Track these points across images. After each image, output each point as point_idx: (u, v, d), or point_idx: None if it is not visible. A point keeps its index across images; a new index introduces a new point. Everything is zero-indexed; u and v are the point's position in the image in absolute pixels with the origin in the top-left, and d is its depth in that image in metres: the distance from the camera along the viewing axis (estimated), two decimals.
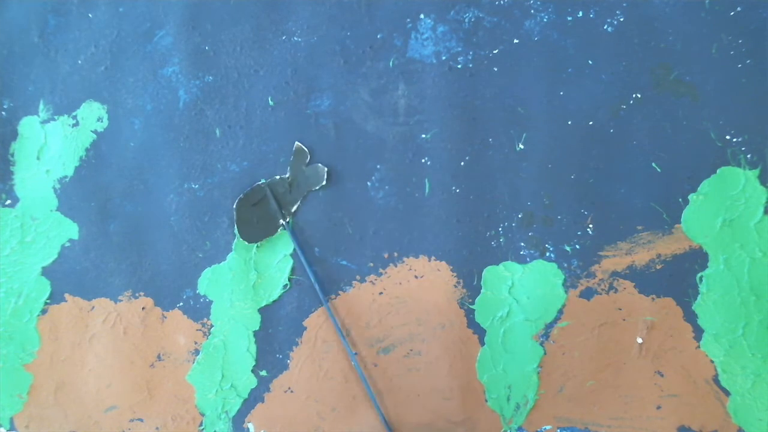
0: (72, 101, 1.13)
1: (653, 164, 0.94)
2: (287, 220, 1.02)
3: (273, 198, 1.02)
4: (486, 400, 0.97)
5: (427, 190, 1.01)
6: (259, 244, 1.04)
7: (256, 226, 1.02)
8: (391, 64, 1.03)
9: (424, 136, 1.01)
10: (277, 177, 1.02)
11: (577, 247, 0.96)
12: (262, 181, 1.03)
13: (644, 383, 0.93)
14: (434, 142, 1.01)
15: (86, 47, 1.14)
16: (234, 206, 1.03)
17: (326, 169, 1.01)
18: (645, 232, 0.94)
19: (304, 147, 1.01)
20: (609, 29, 0.97)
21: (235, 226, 1.03)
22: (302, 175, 1.02)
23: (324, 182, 1.01)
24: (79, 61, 1.14)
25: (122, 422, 1.08)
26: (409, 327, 1.00)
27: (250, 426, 1.04)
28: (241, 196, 1.03)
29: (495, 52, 1.00)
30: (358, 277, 1.02)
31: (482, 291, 0.98)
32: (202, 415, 1.06)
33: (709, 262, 0.92)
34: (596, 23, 0.97)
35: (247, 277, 1.05)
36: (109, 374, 1.09)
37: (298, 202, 1.02)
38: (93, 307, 1.10)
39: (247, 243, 1.03)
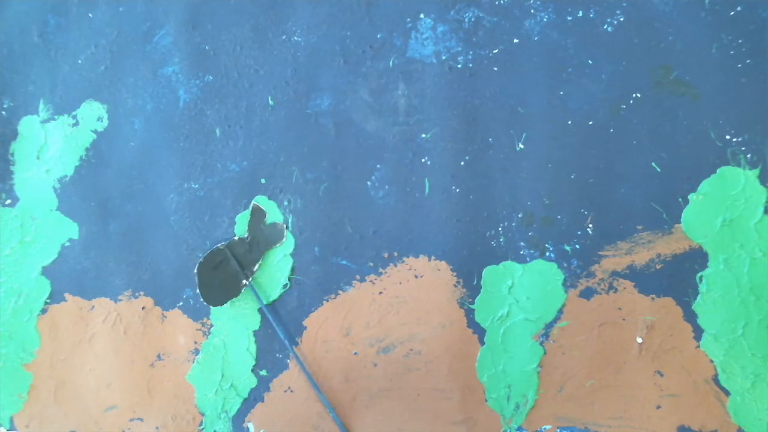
0: (72, 101, 1.13)
1: (653, 164, 0.94)
2: (249, 279, 1.02)
3: (234, 258, 1.01)
4: (486, 400, 0.98)
5: (427, 190, 1.01)
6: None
7: (219, 288, 1.02)
8: (391, 63, 1.03)
9: (424, 135, 1.01)
10: (236, 238, 1.02)
11: (577, 246, 0.96)
12: (221, 244, 1.03)
13: (644, 383, 0.93)
14: (434, 141, 1.01)
15: (86, 47, 1.14)
16: (195, 271, 1.02)
17: (285, 226, 1.00)
18: (645, 231, 0.94)
19: (261, 206, 1.01)
20: (609, 29, 0.97)
21: (198, 291, 1.02)
22: (261, 234, 1.02)
23: (284, 239, 1.00)
24: (79, 61, 1.14)
25: (122, 422, 1.08)
26: (409, 327, 1.00)
27: (250, 425, 1.04)
28: (201, 260, 1.02)
29: (495, 51, 1.00)
30: (358, 277, 1.02)
31: (482, 290, 0.98)
32: (202, 414, 1.06)
33: (709, 262, 0.92)
34: (596, 23, 0.97)
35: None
36: (109, 374, 1.09)
37: (260, 261, 1.02)
38: (93, 307, 1.10)
39: (212, 307, 1.03)
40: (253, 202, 1.00)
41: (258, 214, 1.01)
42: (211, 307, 1.06)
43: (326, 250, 1.03)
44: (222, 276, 1.02)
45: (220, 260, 1.01)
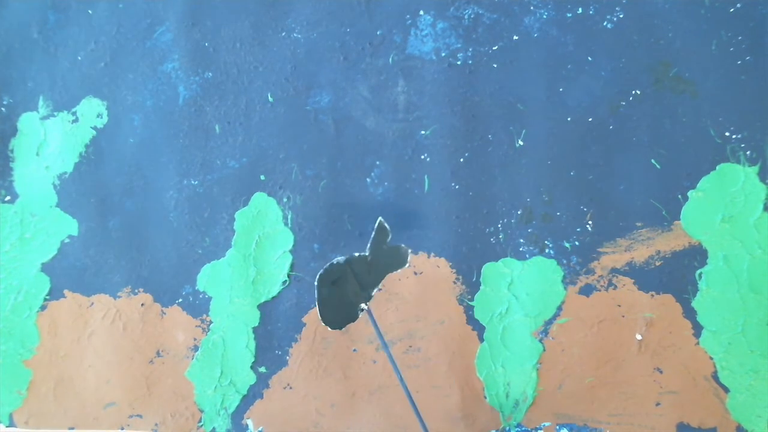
0: (71, 97, 1.13)
1: (653, 161, 0.94)
2: (368, 304, 0.94)
3: (353, 277, 0.93)
4: (485, 397, 0.97)
5: (426, 187, 1.01)
6: (258, 240, 1.04)
7: (336, 308, 0.93)
8: (390, 60, 1.03)
9: (423, 132, 1.01)
10: (356, 254, 0.95)
11: (577, 243, 0.96)
12: (340, 258, 0.94)
13: (643, 380, 0.93)
14: (434, 138, 1.01)
15: (86, 44, 1.14)
16: (315, 282, 0.93)
17: (410, 250, 0.95)
18: (644, 228, 0.94)
19: (386, 224, 0.94)
20: (609, 26, 0.96)
21: (317, 308, 0.93)
22: (383, 255, 0.95)
23: (407, 266, 0.94)
24: (79, 58, 1.14)
25: (121, 418, 1.08)
26: (409, 323, 1.00)
27: (249, 422, 1.04)
28: (321, 272, 0.93)
29: (494, 48, 1.00)
30: None
31: (481, 287, 0.98)
32: (201, 411, 1.06)
33: (709, 259, 0.92)
34: (596, 20, 0.97)
35: (247, 274, 1.05)
36: (108, 370, 1.09)
37: (378, 286, 0.97)
38: (92, 304, 1.10)
39: (329, 328, 0.94)
40: (379, 219, 0.94)
41: (381, 233, 0.94)
42: (210, 305, 1.06)
43: (325, 247, 1.03)
44: (340, 294, 0.93)
45: (339, 276, 0.93)
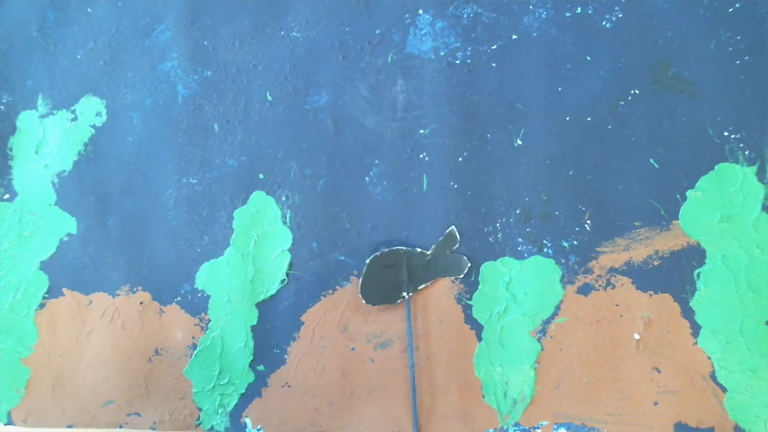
0: (71, 96, 1.13)
1: (651, 160, 0.94)
2: (410, 293, 0.98)
3: (407, 267, 0.98)
4: (483, 396, 0.98)
5: (425, 186, 1.01)
6: (257, 238, 1.04)
7: (379, 288, 0.99)
8: (389, 59, 1.03)
9: (422, 131, 1.01)
10: (418, 250, 0.98)
11: (575, 243, 0.96)
12: (403, 248, 0.99)
13: (641, 379, 0.93)
14: (432, 137, 1.01)
15: (85, 42, 1.14)
16: (367, 261, 0.99)
17: (470, 264, 0.97)
18: (643, 228, 0.94)
19: (456, 233, 0.97)
20: (607, 25, 0.97)
21: (361, 279, 0.99)
22: (444, 259, 0.98)
23: (462, 276, 0.97)
24: (78, 56, 1.14)
25: (120, 416, 1.08)
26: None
27: (248, 421, 1.04)
28: (377, 254, 0.99)
29: (493, 47, 1.00)
30: (356, 272, 1.02)
31: (480, 286, 0.98)
32: (200, 409, 1.06)
33: (707, 259, 0.92)
34: (595, 19, 0.97)
35: (245, 272, 1.05)
36: (106, 369, 1.09)
37: (427, 284, 0.99)
38: (91, 302, 1.10)
39: (364, 302, 0.99)
40: (452, 227, 0.97)
41: (450, 240, 0.98)
42: (209, 303, 1.06)
43: (324, 246, 1.03)
44: (388, 277, 0.98)
45: (395, 262, 0.98)
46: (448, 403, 0.99)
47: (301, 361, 1.03)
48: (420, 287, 0.99)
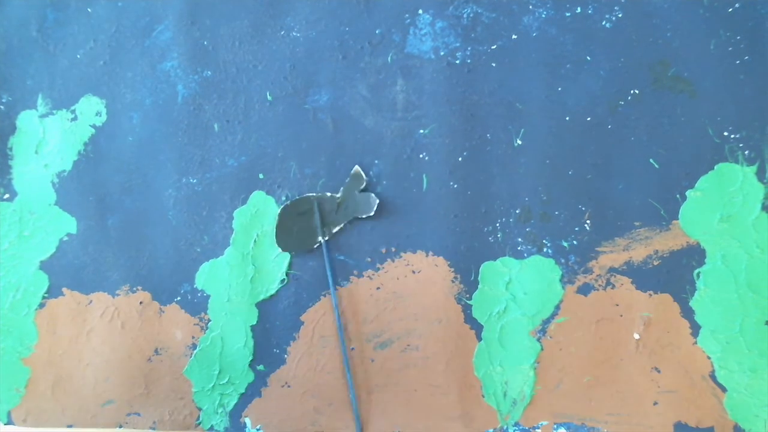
0: (70, 95, 1.13)
1: (651, 160, 0.94)
2: (326, 238, 1.01)
3: (318, 212, 1.01)
4: (483, 396, 0.98)
5: (424, 186, 1.01)
6: (257, 238, 1.04)
7: (294, 236, 1.02)
8: (389, 59, 1.03)
9: (422, 131, 1.01)
10: (328, 194, 1.02)
11: (575, 242, 0.96)
12: (312, 194, 1.02)
13: (641, 379, 0.93)
14: (432, 137, 1.01)
15: (85, 42, 1.14)
16: (278, 211, 1.02)
17: (378, 200, 1.00)
18: (642, 228, 0.94)
19: (362, 172, 1.00)
20: (607, 25, 0.97)
21: (275, 231, 1.03)
22: (353, 200, 1.01)
23: (372, 213, 1.00)
24: (78, 56, 1.14)
25: (119, 416, 1.08)
26: (407, 322, 1.00)
27: (247, 420, 1.04)
28: (287, 203, 1.02)
29: (493, 47, 1.00)
30: (355, 272, 1.02)
31: (479, 286, 0.98)
32: (200, 409, 1.06)
33: (707, 259, 0.92)
34: (594, 19, 0.97)
35: (245, 272, 1.05)
36: (106, 368, 1.09)
37: (341, 225, 1.01)
38: (91, 302, 1.10)
39: (281, 250, 1.03)
40: (356, 167, 1.00)
41: (356, 180, 1.01)
42: (209, 303, 1.06)
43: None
44: (301, 225, 1.02)
45: (306, 209, 1.01)
46: (448, 403, 0.99)
47: (301, 361, 1.03)
48: (334, 230, 1.02)
